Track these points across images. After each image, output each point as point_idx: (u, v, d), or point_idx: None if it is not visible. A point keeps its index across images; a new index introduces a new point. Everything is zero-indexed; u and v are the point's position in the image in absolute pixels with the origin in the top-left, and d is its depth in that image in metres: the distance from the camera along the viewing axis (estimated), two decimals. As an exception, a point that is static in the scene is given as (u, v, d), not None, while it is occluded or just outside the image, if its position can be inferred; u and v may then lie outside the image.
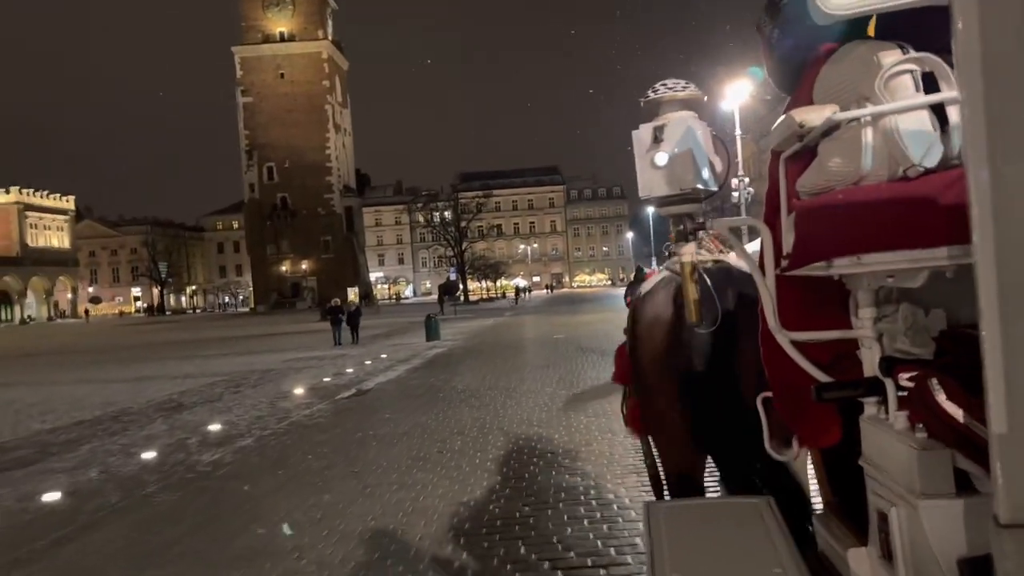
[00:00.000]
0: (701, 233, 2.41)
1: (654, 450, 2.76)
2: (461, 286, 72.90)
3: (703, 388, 2.35)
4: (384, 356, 19.28)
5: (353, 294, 79.79)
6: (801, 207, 1.65)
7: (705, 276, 2.31)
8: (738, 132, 28.49)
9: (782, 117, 1.64)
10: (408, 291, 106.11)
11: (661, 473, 2.71)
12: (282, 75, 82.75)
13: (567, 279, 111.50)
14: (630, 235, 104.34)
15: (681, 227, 2.42)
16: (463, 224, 75.17)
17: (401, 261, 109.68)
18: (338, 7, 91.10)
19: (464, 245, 75.17)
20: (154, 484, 6.94)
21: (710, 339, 2.29)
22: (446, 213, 78.37)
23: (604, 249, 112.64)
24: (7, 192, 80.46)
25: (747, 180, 29.61)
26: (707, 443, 2.52)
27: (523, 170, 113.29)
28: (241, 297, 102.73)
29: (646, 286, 2.67)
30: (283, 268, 79.84)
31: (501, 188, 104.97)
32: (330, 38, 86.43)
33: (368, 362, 18.01)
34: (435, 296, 79.33)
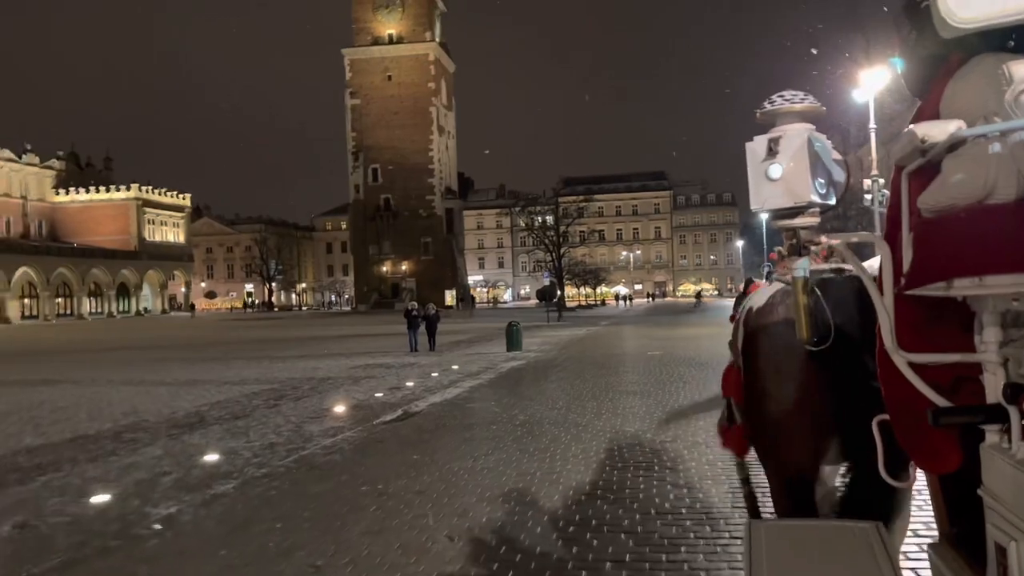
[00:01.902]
0: (814, 248, 2.31)
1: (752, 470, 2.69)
2: (558, 292, 70.68)
3: (818, 408, 2.26)
4: (455, 368, 17.29)
5: (450, 296, 79.11)
6: (922, 225, 1.63)
7: (818, 292, 2.17)
8: (872, 125, 24.99)
9: (905, 130, 1.60)
10: (507, 295, 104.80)
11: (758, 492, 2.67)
12: (389, 77, 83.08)
13: (671, 288, 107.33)
14: (740, 243, 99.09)
15: (794, 241, 2.33)
16: (562, 228, 72.85)
17: (501, 265, 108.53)
18: (447, 9, 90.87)
19: (563, 250, 72.81)
20: (56, 556, 5.02)
21: (824, 357, 2.16)
22: (547, 217, 76.36)
23: (711, 258, 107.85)
24: (127, 189, 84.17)
25: (881, 181, 25.74)
26: (819, 463, 2.30)
27: (628, 175, 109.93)
28: (346, 296, 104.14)
29: (757, 300, 2.54)
30: (384, 269, 79.98)
31: (605, 193, 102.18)
32: (437, 40, 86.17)
33: (435, 374, 16.05)
34: (534, 301, 77.61)
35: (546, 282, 51.00)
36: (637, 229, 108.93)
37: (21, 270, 68.37)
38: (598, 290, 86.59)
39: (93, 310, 78.62)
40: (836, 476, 2.25)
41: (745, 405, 2.57)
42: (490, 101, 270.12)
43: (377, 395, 12.95)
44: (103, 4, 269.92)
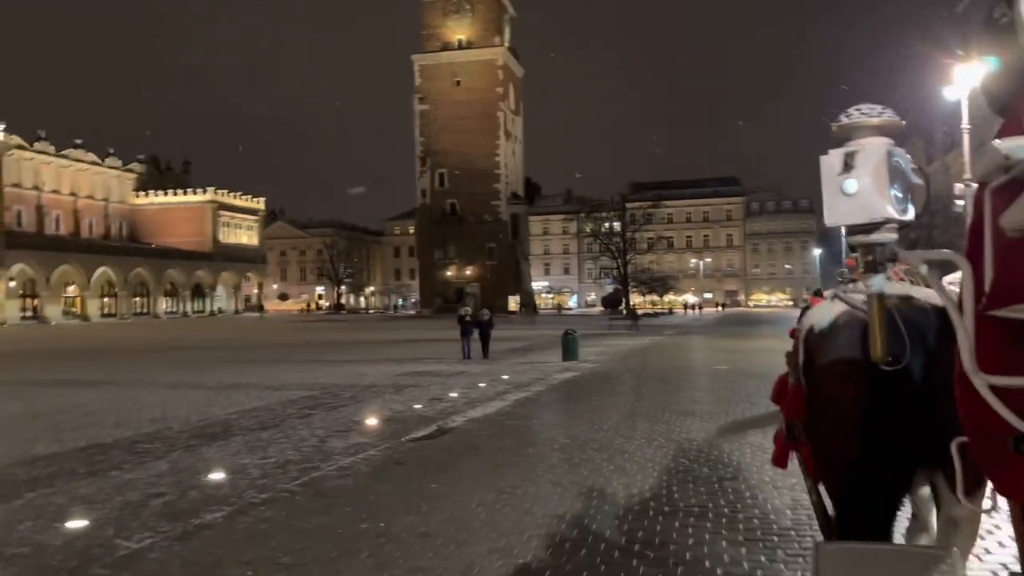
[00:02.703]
0: (890, 265, 2.25)
1: (825, 495, 2.53)
2: (624, 300, 69.14)
3: (889, 431, 2.25)
4: (504, 378, 16.37)
5: (513, 302, 78.40)
6: (1004, 244, 1.58)
7: (894, 311, 2.18)
8: (964, 125, 23.14)
9: (989, 144, 1.55)
10: (572, 302, 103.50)
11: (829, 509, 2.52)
12: (458, 82, 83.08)
13: (742, 297, 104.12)
14: (817, 252, 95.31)
15: (870, 257, 2.22)
16: (629, 234, 71.34)
17: (567, 271, 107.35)
18: (516, 14, 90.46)
19: (628, 256, 71.25)
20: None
21: (898, 378, 2.17)
22: (614, 223, 74.88)
23: (787, 267, 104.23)
24: (204, 192, 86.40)
25: (975, 186, 23.24)
26: (886, 489, 2.37)
27: (699, 180, 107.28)
28: (412, 300, 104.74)
29: (819, 319, 2.51)
30: (448, 273, 79.88)
31: (674, 199, 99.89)
32: (506, 45, 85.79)
33: (482, 384, 15.16)
34: (599, 308, 76.22)
35: (609, 289, 49.55)
36: (708, 236, 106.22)
37: (101, 269, 70.76)
38: (666, 298, 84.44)
39: (169, 309, 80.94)
40: (905, 500, 2.30)
41: (808, 425, 2.53)
42: (560, 105, 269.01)
43: (416, 407, 12.13)
44: (178, 18, 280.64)
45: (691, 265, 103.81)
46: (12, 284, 61.42)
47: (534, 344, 27.92)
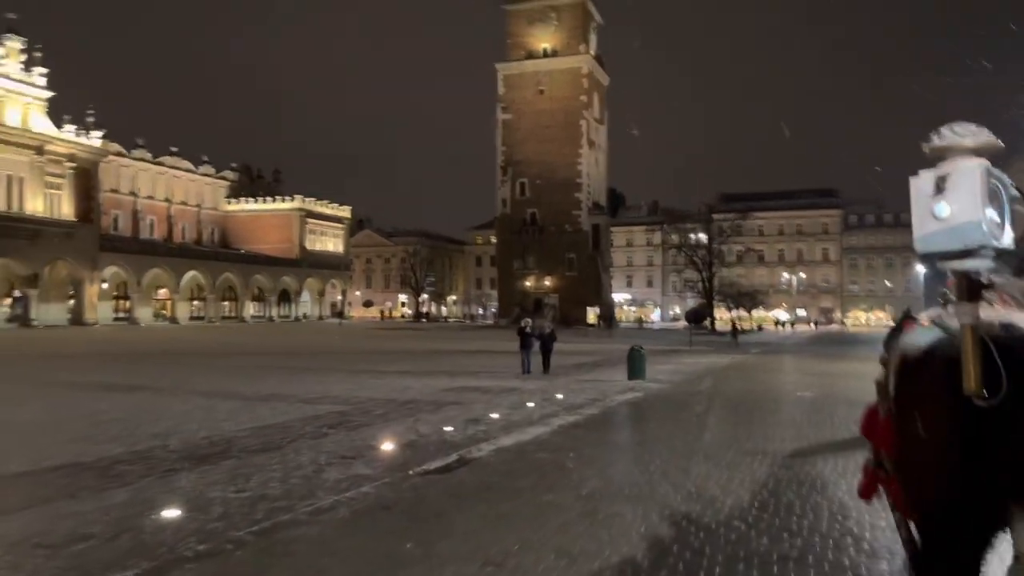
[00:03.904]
0: (988, 293, 2.16)
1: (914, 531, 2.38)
2: (709, 314, 66.19)
3: (982, 469, 2.11)
4: (559, 397, 14.85)
5: (592, 314, 76.41)
6: None
7: (990, 341, 2.06)
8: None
9: None
10: (655, 315, 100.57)
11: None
12: (541, 91, 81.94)
13: (838, 314, 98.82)
14: (921, 269, 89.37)
15: (964, 284, 2.13)
16: (715, 246, 68.33)
17: (650, 284, 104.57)
18: (603, 21, 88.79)
19: (714, 269, 68.20)
20: None
21: (994, 413, 2.04)
22: (701, 235, 72.00)
23: (887, 284, 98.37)
24: (292, 199, 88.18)
25: None
26: (977, 531, 2.21)
27: (793, 192, 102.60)
28: (492, 309, 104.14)
29: (912, 345, 2.33)
30: (527, 283, 78.60)
31: (766, 210, 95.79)
32: (592, 53, 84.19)
33: (530, 404, 13.70)
34: (683, 323, 73.37)
35: (691, 303, 47.15)
36: (801, 250, 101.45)
37: (190, 273, 72.87)
38: (755, 314, 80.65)
39: (256, 314, 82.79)
40: (998, 543, 2.21)
41: (897, 459, 2.39)
42: (648, 114, 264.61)
43: (446, 429, 10.78)
44: (270, 31, 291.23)
45: (783, 280, 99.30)
46: (105, 286, 63.77)
47: (603, 359, 26.25)
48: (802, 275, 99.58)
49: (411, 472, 7.85)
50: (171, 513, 6.21)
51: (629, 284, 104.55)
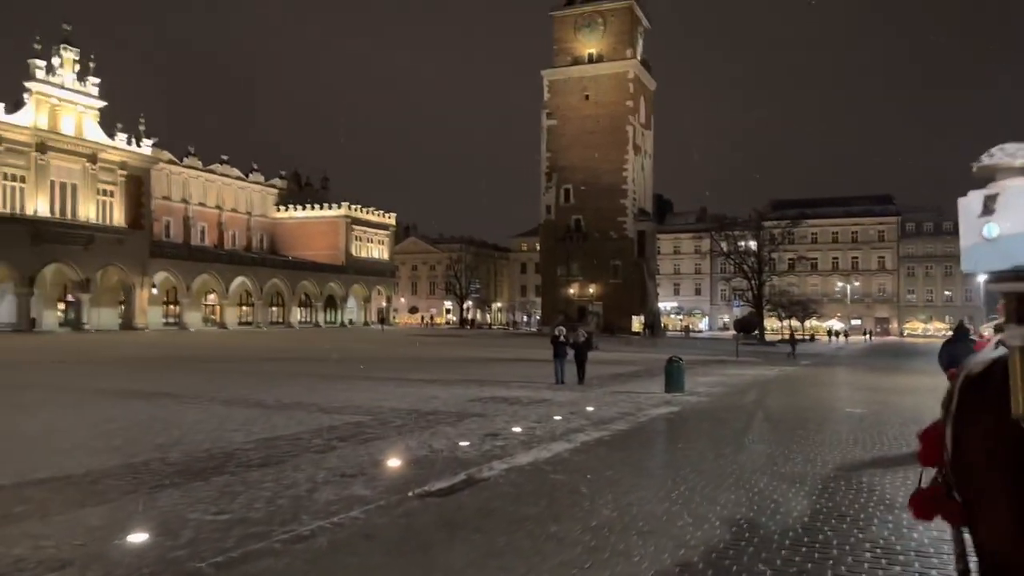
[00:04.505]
0: None
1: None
2: (758, 324, 64.38)
3: None
4: (589, 410, 14.11)
5: (638, 322, 75.11)
6: None
7: None
8: None
9: None
10: (703, 324, 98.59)
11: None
12: (586, 96, 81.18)
13: (895, 325, 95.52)
14: (981, 279, 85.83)
15: (1014, 306, 2.10)
16: (765, 253, 66.41)
17: (698, 292, 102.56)
18: (650, 26, 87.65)
19: (763, 277, 66.27)
20: None
21: None
22: (751, 242, 70.20)
23: (946, 293, 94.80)
24: (338, 207, 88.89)
25: None
26: None
27: (847, 198, 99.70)
28: (536, 316, 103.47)
29: (976, 363, 2.31)
30: (571, 290, 77.71)
31: (819, 217, 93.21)
32: (638, 57, 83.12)
33: (557, 418, 13.00)
34: (731, 332, 71.64)
35: (737, 312, 45.76)
36: (856, 258, 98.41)
37: (239, 279, 73.83)
38: (807, 324, 78.29)
39: (302, 319, 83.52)
40: None
41: (957, 481, 2.34)
42: (696, 119, 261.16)
43: (461, 444, 10.16)
44: (317, 41, 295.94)
45: (837, 289, 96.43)
46: (155, 291, 64.93)
47: (643, 370, 25.34)
48: (857, 284, 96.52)
49: (410, 494, 7.24)
50: (137, 538, 5.71)
51: (676, 292, 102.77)
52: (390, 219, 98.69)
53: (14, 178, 53.71)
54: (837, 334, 76.39)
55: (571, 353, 19.85)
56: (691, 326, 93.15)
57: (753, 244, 68.93)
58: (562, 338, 19.88)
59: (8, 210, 52.92)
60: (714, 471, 8.40)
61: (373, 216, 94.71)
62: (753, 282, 66.28)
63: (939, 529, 5.97)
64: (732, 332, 66.71)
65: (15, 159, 53.60)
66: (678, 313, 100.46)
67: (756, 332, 64.03)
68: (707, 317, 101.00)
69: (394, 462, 8.86)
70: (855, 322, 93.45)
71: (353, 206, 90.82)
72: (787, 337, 49.21)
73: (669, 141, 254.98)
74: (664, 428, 12.31)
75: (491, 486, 7.63)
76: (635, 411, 14.16)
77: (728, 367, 28.86)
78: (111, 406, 13.91)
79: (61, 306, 60.08)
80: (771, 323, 69.10)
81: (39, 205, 54.93)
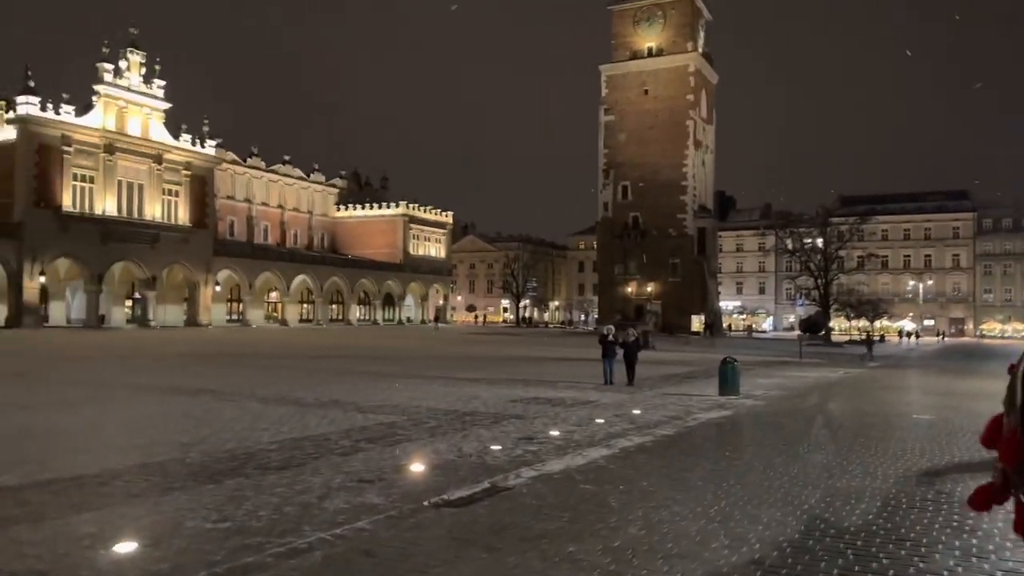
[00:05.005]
0: None
1: None
2: (824, 324, 62.17)
3: None
4: (636, 413, 13.45)
5: (697, 322, 73.42)
6: None
7: None
8: None
9: None
10: (767, 324, 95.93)
11: None
12: (646, 91, 79.74)
13: (970, 326, 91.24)
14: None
15: None
16: (832, 251, 64.04)
17: (762, 291, 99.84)
18: (712, 17, 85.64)
19: (830, 276, 63.89)
20: None
21: None
22: (818, 240, 67.80)
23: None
24: (396, 206, 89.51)
25: None
26: None
27: (920, 194, 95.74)
28: (594, 315, 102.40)
29: None
30: (628, 289, 76.44)
31: (889, 214, 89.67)
32: (700, 50, 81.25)
33: (599, 420, 12.39)
34: (797, 332, 69.41)
35: (801, 312, 44.11)
36: (929, 256, 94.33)
37: (300, 277, 74.92)
38: (877, 324, 75.32)
39: (361, 317, 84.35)
40: None
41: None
42: (763, 113, 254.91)
43: (493, 448, 9.65)
44: (381, 49, 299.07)
45: (908, 288, 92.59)
46: (219, 289, 66.34)
47: (698, 371, 24.42)
48: (930, 283, 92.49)
49: (427, 503, 6.75)
50: (125, 547, 5.36)
51: (739, 291, 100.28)
52: (448, 218, 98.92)
53: (84, 179, 55.50)
54: (908, 335, 73.28)
55: (621, 353, 19.17)
56: (754, 326, 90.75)
57: (820, 241, 66.58)
58: (611, 337, 19.18)
59: (78, 210, 54.70)
60: (761, 484, 7.68)
61: (431, 215, 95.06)
62: (819, 281, 64.00)
63: (1016, 559, 5.19)
64: (797, 332, 64.61)
65: (85, 160, 55.38)
66: (741, 313, 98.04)
67: (822, 332, 61.85)
68: (771, 317, 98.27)
69: (417, 467, 8.41)
70: (927, 322, 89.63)
71: (411, 205, 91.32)
72: (858, 338, 47.24)
73: (733, 136, 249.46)
74: (712, 434, 11.55)
75: (513, 496, 7.09)
76: (684, 415, 13.42)
77: (790, 369, 27.68)
78: (151, 403, 13.88)
79: (128, 303, 61.90)
80: (839, 323, 66.61)
81: (107, 205, 56.64)
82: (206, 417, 12.07)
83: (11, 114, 53.07)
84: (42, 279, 52.48)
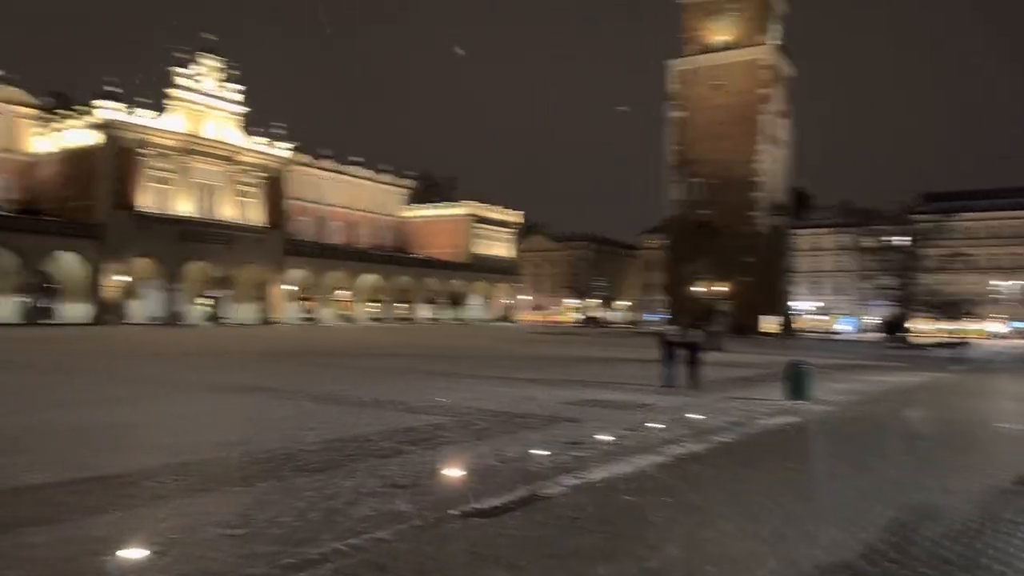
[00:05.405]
0: None
1: None
2: (905, 325, 59.43)
3: None
4: (695, 418, 12.80)
5: (770, 323, 71.17)
6: None
7: None
8: None
9: None
10: (846, 325, 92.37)
11: None
12: (716, 86, 77.85)
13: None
14: None
15: None
16: (913, 250, 61.14)
17: (839, 291, 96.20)
18: (788, 9, 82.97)
19: (912, 275, 61.02)
20: None
21: None
22: (899, 238, 64.83)
23: None
24: (463, 205, 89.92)
25: None
26: None
27: (1009, 190, 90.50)
28: (662, 315, 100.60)
29: None
30: (699, 289, 74.70)
31: (976, 211, 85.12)
32: (774, 42, 78.81)
33: (658, 425, 11.79)
34: (876, 334, 66.61)
35: (880, 314, 42.12)
36: (1019, 255, 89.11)
37: (368, 276, 76.06)
38: (962, 326, 71.59)
39: (427, 316, 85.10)
40: None
41: None
42: (843, 107, 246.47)
43: (537, 453, 9.22)
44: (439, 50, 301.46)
45: (995, 288, 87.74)
46: (291, 287, 67.88)
47: (768, 374, 23.37)
48: (1020, 283, 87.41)
49: (455, 511, 6.37)
50: (132, 554, 5.15)
51: (816, 291, 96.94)
52: (514, 217, 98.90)
53: (162, 180, 57.51)
54: (996, 337, 69.41)
55: (684, 354, 18.42)
56: (831, 327, 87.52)
57: (901, 240, 63.63)
58: (673, 338, 18.47)
59: (157, 210, 56.72)
60: (822, 500, 7.02)
61: (497, 214, 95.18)
62: (901, 281, 61.22)
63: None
64: (876, 334, 61.99)
65: (163, 163, 57.43)
66: (817, 313, 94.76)
67: (902, 334, 59.10)
68: (849, 318, 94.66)
69: (454, 472, 8.04)
70: (1018, 324, 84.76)
71: (478, 204, 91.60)
72: (943, 340, 44.86)
73: (811, 131, 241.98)
74: (775, 442, 10.84)
75: (549, 506, 6.64)
76: (746, 420, 12.70)
77: (867, 372, 26.30)
78: (204, 401, 13.95)
79: (203, 301, 63.92)
80: (921, 324, 63.57)
81: (184, 205, 58.55)
82: (257, 416, 12.03)
83: (86, 119, 55.29)
84: (123, 278, 54.59)
